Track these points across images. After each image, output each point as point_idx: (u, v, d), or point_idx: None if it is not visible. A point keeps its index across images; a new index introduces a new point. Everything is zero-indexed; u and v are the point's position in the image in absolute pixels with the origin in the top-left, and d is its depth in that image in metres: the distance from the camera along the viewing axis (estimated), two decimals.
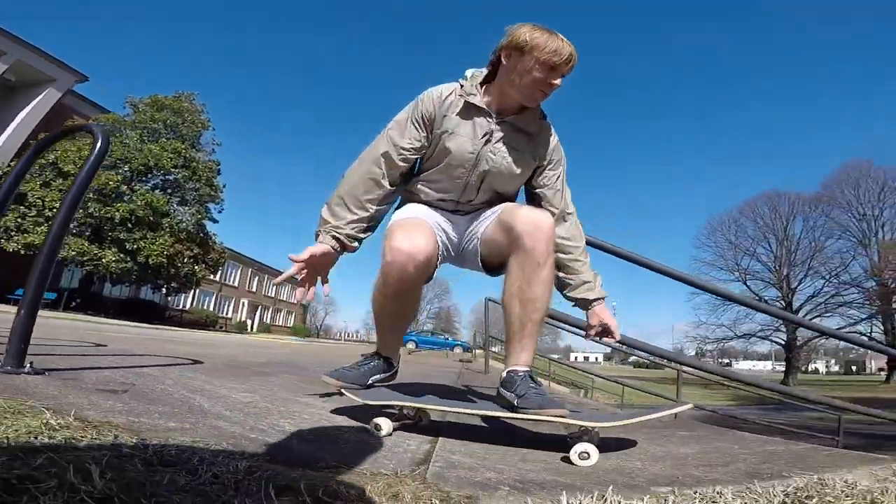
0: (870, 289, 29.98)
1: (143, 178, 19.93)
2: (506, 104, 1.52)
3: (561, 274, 1.64)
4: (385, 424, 1.35)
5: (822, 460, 1.31)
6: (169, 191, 20.65)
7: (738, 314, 35.41)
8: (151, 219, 18.56)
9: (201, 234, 21.39)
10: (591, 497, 0.88)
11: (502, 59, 1.45)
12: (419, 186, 1.63)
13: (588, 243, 1.92)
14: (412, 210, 1.61)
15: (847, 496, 0.92)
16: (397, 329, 1.65)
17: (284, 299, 50.42)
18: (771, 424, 9.39)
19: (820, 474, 1.07)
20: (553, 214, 1.59)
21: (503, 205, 1.58)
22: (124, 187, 18.29)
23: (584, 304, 1.66)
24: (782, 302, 34.35)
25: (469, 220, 1.64)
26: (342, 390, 1.50)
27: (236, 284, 40.36)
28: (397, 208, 1.69)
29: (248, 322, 39.27)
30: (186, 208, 20.78)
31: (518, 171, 1.55)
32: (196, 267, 20.74)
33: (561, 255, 1.61)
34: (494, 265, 1.61)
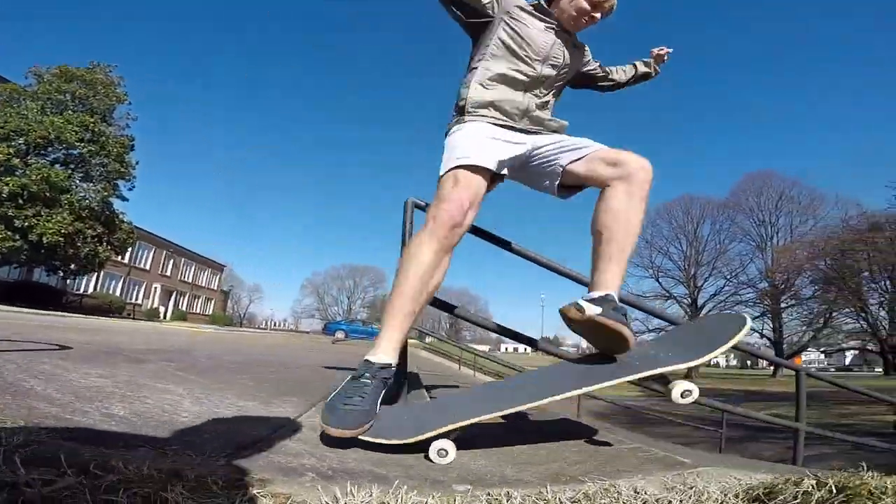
0: (763, 289, 33.34)
1: (42, 152, 18.10)
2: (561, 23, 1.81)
3: (620, 74, 2.17)
4: (451, 449, 1.19)
5: (631, 464, 1.34)
6: (72, 166, 18.88)
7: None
8: (48, 195, 16.83)
9: (107, 213, 19.71)
10: (374, 488, 0.89)
11: None
12: (499, 68, 1.73)
13: (490, 238, 2.27)
14: (474, 146, 1.61)
15: None
16: (414, 304, 1.45)
17: (203, 285, 47.62)
18: (669, 414, 10.29)
19: (614, 480, 1.09)
20: (608, 72, 2.12)
21: (588, 143, 1.74)
22: (17, 160, 16.45)
23: (641, 63, 2.22)
24: (689, 298, 37.49)
25: (534, 140, 1.76)
26: (363, 438, 1.24)
27: (148, 267, 37.49)
28: (458, 118, 1.74)
29: (161, 309, 36.65)
30: (91, 185, 19.10)
31: (574, 68, 1.90)
32: (99, 247, 19.08)
33: (619, 73, 2.16)
34: (564, 188, 1.80)
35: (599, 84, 2.10)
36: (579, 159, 1.68)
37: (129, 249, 25.45)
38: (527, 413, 2.02)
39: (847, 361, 68.09)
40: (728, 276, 36.15)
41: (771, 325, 34.65)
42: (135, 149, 20.87)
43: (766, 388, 26.59)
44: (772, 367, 39.73)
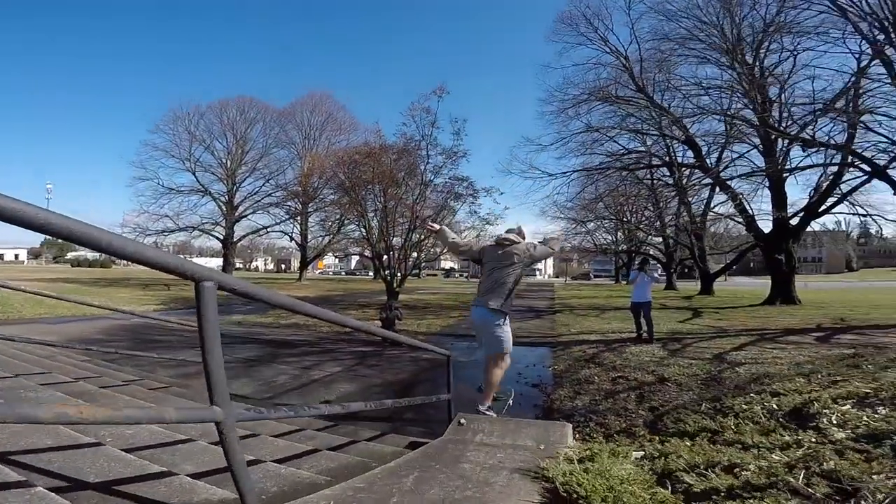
0: (293, 190, 34.96)
1: None
2: None
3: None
4: None
5: None
6: None
7: (182, 205, 34.05)
8: None
9: None
10: None
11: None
12: None
13: None
14: None
15: None
16: None
17: None
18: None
19: None
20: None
21: None
22: None
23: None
24: (227, 196, 35.51)
25: None
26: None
27: None
28: (506, 316, 3.85)
29: None
30: None
31: None
32: None
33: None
34: None
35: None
36: None
37: None
38: None
39: (353, 266, 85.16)
40: (267, 178, 36.54)
41: (300, 228, 37.57)
42: None
43: (293, 290, 27.97)
44: (299, 271, 43.84)
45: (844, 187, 16.20)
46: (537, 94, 67.42)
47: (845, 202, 16.57)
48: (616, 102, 20.06)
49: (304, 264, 40.84)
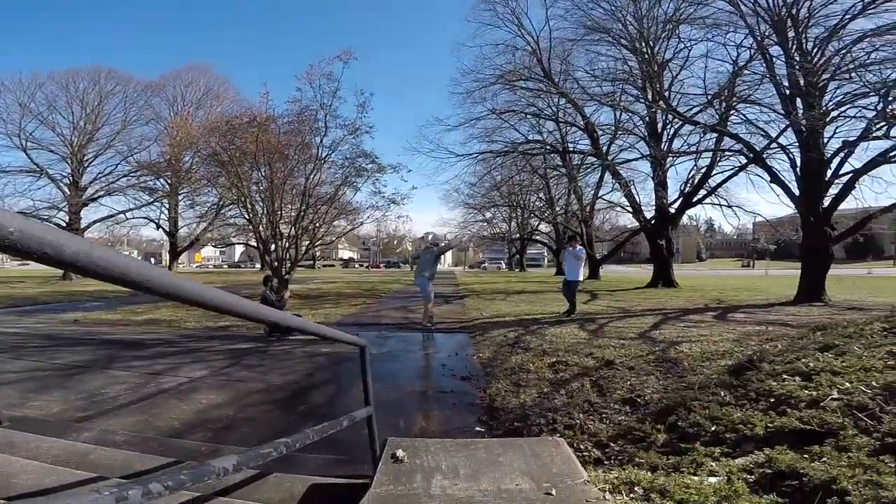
0: (158, 165, 30.11)
1: None
2: None
3: None
4: None
5: None
6: None
7: (7, 188, 27.97)
8: None
9: None
10: None
11: None
12: None
13: None
14: None
15: None
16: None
17: None
18: None
19: None
20: None
21: None
22: None
23: None
24: (70, 177, 29.59)
25: None
26: None
27: None
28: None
29: None
30: None
31: None
32: None
33: None
34: None
35: None
36: None
37: None
38: None
39: (237, 258, 77.89)
40: (126, 156, 31.37)
41: (168, 214, 32.80)
42: None
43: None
44: (169, 263, 38.45)
45: (712, 182, 18.03)
46: (451, 75, 67.87)
47: (713, 196, 18.34)
48: (523, 88, 20.16)
49: (174, 255, 35.72)
